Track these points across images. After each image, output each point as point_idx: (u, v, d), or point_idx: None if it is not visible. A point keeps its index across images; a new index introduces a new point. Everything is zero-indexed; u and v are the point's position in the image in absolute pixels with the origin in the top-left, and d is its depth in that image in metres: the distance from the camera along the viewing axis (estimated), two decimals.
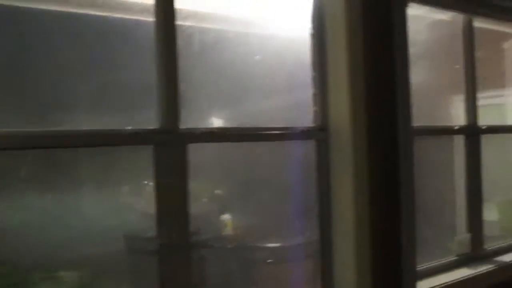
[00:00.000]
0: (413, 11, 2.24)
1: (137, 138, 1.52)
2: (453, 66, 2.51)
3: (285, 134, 1.85)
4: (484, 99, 2.90)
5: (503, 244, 2.59)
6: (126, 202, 1.68)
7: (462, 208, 2.51)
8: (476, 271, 2.28)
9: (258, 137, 1.79)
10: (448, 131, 2.42)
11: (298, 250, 2.12)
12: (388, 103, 1.93)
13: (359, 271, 1.82)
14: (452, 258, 2.35)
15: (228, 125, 1.71)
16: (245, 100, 1.83)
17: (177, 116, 1.56)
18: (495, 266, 2.36)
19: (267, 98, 1.89)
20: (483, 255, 2.46)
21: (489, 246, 2.53)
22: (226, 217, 2.29)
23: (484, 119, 2.51)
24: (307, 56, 1.91)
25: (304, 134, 1.88)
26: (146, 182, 1.73)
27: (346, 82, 1.82)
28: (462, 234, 2.43)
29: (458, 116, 2.56)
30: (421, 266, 2.17)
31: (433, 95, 2.56)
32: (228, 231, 2.34)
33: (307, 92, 1.91)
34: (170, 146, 1.56)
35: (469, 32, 2.47)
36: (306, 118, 1.91)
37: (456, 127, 2.41)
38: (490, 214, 2.94)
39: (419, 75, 2.26)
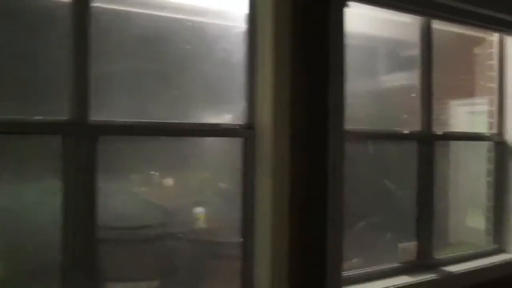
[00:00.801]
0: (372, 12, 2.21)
1: (45, 127, 1.55)
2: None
3: (210, 131, 1.85)
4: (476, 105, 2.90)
5: (452, 254, 2.53)
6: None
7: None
8: (415, 279, 2.24)
9: (177, 132, 1.79)
10: (398, 137, 2.36)
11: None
12: (318, 105, 1.91)
13: (274, 278, 1.81)
14: (394, 265, 2.31)
15: (149, 119, 1.71)
16: (171, 92, 1.83)
17: (87, 108, 1.59)
18: (437, 276, 2.31)
19: (196, 91, 1.89)
20: (429, 264, 2.41)
21: (439, 255, 2.48)
22: (199, 210, 2.31)
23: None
24: (241, 50, 1.90)
25: (231, 131, 1.88)
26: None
27: (271, 81, 1.80)
28: (407, 242, 2.38)
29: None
30: (353, 272, 2.15)
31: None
32: (201, 224, 2.36)
33: (238, 88, 1.90)
34: (80, 138, 1.59)
35: (427, 35, 2.40)
36: (236, 115, 1.91)
37: (406, 132, 2.36)
38: (476, 221, 2.89)
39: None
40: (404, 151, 2.44)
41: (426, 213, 2.41)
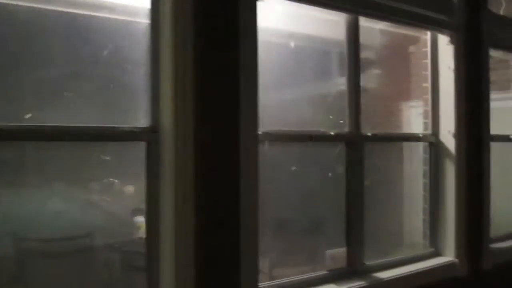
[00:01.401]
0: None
1: None
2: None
3: (108, 135, 1.70)
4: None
5: (383, 260, 2.45)
6: None
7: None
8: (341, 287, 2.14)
9: (72, 136, 1.63)
10: (324, 138, 2.26)
11: None
12: (228, 107, 1.79)
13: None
14: (321, 273, 2.21)
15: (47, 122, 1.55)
16: (65, 94, 1.68)
17: None
18: (365, 283, 2.22)
19: (95, 92, 1.74)
20: (359, 271, 2.31)
21: (371, 261, 2.39)
22: (140, 219, 2.17)
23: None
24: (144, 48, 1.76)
25: (132, 135, 1.74)
26: None
27: (172, 81, 1.67)
28: (336, 248, 2.28)
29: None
30: (274, 282, 2.03)
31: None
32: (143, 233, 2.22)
33: (142, 88, 1.76)
34: None
35: (354, 33, 2.32)
36: (141, 117, 1.77)
37: (332, 133, 2.26)
38: (412, 224, 2.83)
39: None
40: (333, 153, 2.35)
41: (355, 218, 2.32)
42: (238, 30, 1.80)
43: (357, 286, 2.18)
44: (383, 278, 2.30)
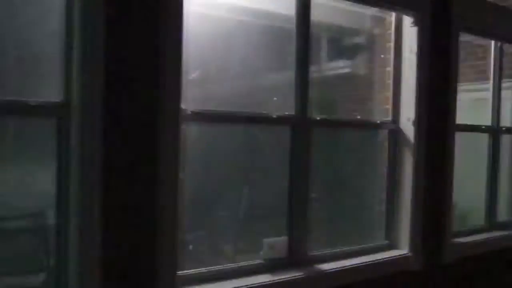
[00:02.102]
0: None
1: None
2: None
3: (14, 109, 1.59)
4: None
5: (330, 251, 2.34)
6: None
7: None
8: (275, 278, 2.03)
9: None
10: (266, 121, 2.13)
11: None
12: (143, 81, 1.67)
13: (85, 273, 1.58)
14: (256, 262, 2.10)
15: None
16: None
17: None
18: (305, 274, 2.11)
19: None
20: (302, 261, 2.21)
21: (317, 251, 2.29)
22: None
23: None
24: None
25: (40, 110, 1.62)
26: None
27: (80, 50, 1.56)
28: (275, 237, 2.18)
29: None
30: (200, 270, 1.93)
31: None
32: None
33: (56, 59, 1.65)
34: None
35: (303, 9, 2.17)
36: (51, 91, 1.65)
37: (274, 116, 2.13)
38: (368, 215, 2.71)
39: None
40: (278, 138, 2.23)
41: (299, 206, 2.20)
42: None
43: (294, 277, 2.08)
44: (326, 270, 2.19)
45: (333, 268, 2.23)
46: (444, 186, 2.63)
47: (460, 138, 2.74)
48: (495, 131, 3.14)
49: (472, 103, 3.83)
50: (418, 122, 2.48)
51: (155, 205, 1.69)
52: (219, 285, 1.93)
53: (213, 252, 2.03)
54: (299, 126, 2.19)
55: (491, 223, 3.14)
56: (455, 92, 2.66)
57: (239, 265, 2.05)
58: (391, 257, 2.45)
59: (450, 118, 2.64)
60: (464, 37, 2.96)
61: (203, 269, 1.94)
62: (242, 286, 1.93)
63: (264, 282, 1.99)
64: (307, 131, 2.21)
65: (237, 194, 2.12)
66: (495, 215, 3.15)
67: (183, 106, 1.77)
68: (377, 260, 2.40)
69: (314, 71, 2.39)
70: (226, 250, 2.13)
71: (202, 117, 1.90)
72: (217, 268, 1.97)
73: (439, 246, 2.63)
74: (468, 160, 3.07)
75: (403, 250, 2.52)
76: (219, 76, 2.03)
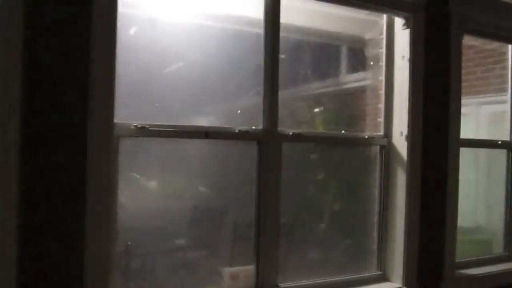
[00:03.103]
0: None
1: None
2: None
3: None
4: None
5: (305, 283, 2.06)
6: None
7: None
8: None
9: None
10: (227, 136, 1.90)
11: None
12: (73, 95, 1.49)
13: None
14: None
15: None
16: None
17: None
18: None
19: None
20: None
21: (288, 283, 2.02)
22: None
23: None
24: None
25: None
26: None
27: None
28: (241, 266, 1.94)
29: None
30: None
31: None
32: None
33: None
34: None
35: (272, 12, 1.95)
36: None
37: (237, 131, 1.91)
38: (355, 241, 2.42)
39: None
40: (245, 154, 2.00)
41: (269, 231, 1.96)
42: None
43: None
44: None
45: None
46: (444, 208, 2.31)
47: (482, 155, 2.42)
48: None
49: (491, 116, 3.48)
50: (412, 137, 2.18)
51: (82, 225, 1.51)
52: None
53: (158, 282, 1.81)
54: (267, 142, 1.96)
55: (510, 251, 2.75)
56: (458, 103, 2.34)
57: None
58: None
59: (452, 132, 2.32)
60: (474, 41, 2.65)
61: None
62: None
63: None
64: (276, 146, 1.97)
65: (196, 218, 1.90)
66: None
67: (119, 120, 1.59)
68: None
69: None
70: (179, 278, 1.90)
71: (147, 132, 1.70)
72: None
73: (439, 278, 2.30)
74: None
75: (395, 283, 2.21)
76: (171, 86, 1.83)
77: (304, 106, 2.28)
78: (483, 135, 3.10)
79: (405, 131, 2.19)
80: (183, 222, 1.87)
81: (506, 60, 2.86)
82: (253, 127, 1.94)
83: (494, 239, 2.90)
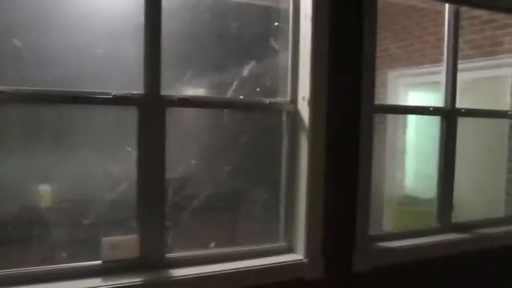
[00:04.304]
0: None
1: None
2: None
3: None
4: None
5: (201, 253, 2.00)
6: None
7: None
8: (111, 283, 1.74)
9: None
10: (99, 101, 1.81)
11: None
12: None
13: None
14: (92, 263, 1.82)
15: None
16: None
17: None
18: (148, 279, 1.79)
19: None
20: (154, 264, 1.89)
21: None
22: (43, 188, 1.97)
23: None
24: None
25: None
26: None
27: None
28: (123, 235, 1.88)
29: None
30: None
31: None
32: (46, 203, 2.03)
33: None
34: None
35: None
36: None
37: (112, 95, 1.81)
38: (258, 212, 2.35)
39: None
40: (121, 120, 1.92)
41: (152, 198, 1.88)
42: None
43: (133, 283, 1.77)
44: (179, 276, 1.86)
45: (190, 275, 1.89)
46: (356, 180, 2.19)
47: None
48: (449, 113, 2.61)
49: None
50: (314, 101, 2.06)
51: None
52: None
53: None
54: (148, 106, 1.87)
55: (444, 223, 2.62)
56: (372, 64, 2.19)
57: (72, 266, 1.79)
58: (278, 263, 2.06)
59: (365, 98, 2.18)
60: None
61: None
62: None
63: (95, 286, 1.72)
64: (159, 111, 1.88)
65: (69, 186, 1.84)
66: (449, 214, 2.63)
67: None
68: (254, 266, 2.00)
69: None
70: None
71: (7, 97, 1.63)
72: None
73: (349, 250, 2.20)
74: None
75: (299, 254, 2.13)
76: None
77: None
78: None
79: (307, 96, 2.07)
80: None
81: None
82: (133, 92, 1.86)
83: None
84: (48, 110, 1.77)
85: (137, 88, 1.86)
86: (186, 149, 2.12)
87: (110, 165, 1.94)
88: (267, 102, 2.12)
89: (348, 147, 2.17)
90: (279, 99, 2.16)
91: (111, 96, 1.81)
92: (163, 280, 1.83)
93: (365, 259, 2.22)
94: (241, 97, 2.13)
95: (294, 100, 2.15)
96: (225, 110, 2.16)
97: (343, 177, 2.17)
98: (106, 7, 1.86)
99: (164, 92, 1.89)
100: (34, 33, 1.76)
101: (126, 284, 1.76)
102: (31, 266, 1.72)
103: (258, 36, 2.26)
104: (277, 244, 2.18)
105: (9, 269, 1.69)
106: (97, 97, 1.80)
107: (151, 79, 1.86)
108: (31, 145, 1.82)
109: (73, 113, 1.86)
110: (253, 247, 2.13)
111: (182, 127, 2.01)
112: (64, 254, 1.89)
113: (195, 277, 1.89)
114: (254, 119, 2.20)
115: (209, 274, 1.92)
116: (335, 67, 2.10)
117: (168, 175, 1.90)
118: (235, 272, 1.96)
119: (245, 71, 2.22)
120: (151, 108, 1.87)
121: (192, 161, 2.14)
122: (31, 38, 1.75)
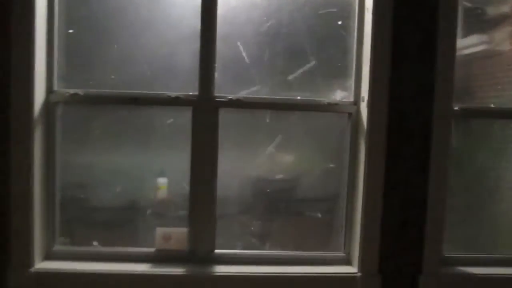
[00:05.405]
0: None
1: None
2: None
3: None
4: None
5: (252, 252, 2.02)
6: None
7: None
8: (153, 270, 1.89)
9: None
10: (158, 102, 1.95)
11: None
12: None
13: None
14: (146, 250, 1.99)
15: None
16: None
17: None
18: (192, 272, 1.88)
19: None
20: (200, 259, 1.98)
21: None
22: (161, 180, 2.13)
23: None
24: None
25: None
26: None
27: None
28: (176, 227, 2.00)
29: None
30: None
31: None
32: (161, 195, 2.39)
33: None
34: None
35: None
36: None
37: (170, 96, 1.94)
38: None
39: None
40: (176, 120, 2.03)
41: (205, 196, 1.97)
42: None
43: (176, 273, 1.89)
44: (224, 272, 1.91)
45: (235, 273, 1.92)
46: (426, 187, 1.92)
47: None
48: None
49: None
50: (373, 102, 1.89)
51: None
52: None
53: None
54: (201, 108, 1.96)
55: None
56: (449, 67, 1.90)
57: (128, 250, 1.99)
58: (331, 273, 1.94)
59: (441, 98, 1.90)
60: None
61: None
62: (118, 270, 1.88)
63: (143, 271, 1.88)
64: (214, 112, 1.96)
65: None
66: None
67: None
68: (308, 273, 1.94)
69: None
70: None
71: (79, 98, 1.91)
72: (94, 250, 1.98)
73: (414, 272, 1.94)
74: None
75: (354, 267, 1.97)
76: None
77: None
78: None
79: (366, 96, 1.91)
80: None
81: None
82: (190, 93, 1.97)
83: None
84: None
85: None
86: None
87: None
88: (326, 103, 2.02)
89: (413, 154, 1.93)
90: (340, 100, 2.04)
91: (169, 97, 1.96)
92: (199, 274, 1.90)
93: (434, 285, 1.94)
94: (298, 97, 2.06)
95: (357, 101, 2.00)
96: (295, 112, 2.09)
97: (410, 187, 1.93)
98: (165, 15, 2.00)
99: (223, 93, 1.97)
100: (103, 39, 1.98)
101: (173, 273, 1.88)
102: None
103: (317, 36, 2.13)
104: (335, 254, 2.06)
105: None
106: (157, 98, 1.96)
107: (205, 81, 1.95)
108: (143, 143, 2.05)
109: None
110: (308, 254, 2.05)
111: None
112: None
113: (240, 275, 1.92)
114: (312, 122, 2.09)
115: (254, 274, 1.92)
116: (397, 67, 1.89)
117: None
118: (280, 276, 1.93)
119: (304, 71, 2.14)
120: (204, 109, 1.96)
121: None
122: (100, 45, 1.99)
